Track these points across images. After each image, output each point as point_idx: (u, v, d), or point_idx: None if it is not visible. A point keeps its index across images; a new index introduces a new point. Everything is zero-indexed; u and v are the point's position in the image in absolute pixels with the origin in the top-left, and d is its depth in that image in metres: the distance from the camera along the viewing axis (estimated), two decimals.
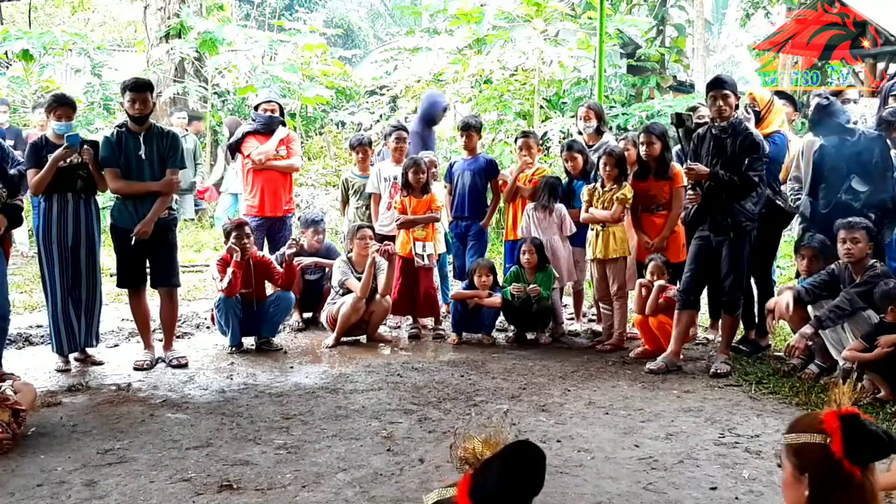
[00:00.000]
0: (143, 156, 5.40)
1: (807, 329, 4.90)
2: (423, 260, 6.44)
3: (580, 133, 7.01)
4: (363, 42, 25.96)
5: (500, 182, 6.75)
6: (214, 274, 6.02)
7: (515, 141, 6.74)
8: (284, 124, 7.20)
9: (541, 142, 11.98)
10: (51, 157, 5.25)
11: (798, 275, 5.65)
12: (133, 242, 5.37)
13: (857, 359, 4.65)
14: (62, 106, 5.41)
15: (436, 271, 6.80)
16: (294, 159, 7.08)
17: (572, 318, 6.87)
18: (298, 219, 7.57)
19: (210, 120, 13.53)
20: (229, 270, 5.86)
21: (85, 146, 5.34)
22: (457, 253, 6.96)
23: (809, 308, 5.05)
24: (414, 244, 6.44)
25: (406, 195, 6.51)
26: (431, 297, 6.58)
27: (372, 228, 6.62)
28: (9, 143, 9.29)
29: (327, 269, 6.76)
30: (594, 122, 6.76)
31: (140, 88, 5.40)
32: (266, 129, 6.95)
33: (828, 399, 4.22)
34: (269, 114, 7.04)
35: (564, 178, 6.63)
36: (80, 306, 5.38)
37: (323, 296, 6.79)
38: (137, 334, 5.87)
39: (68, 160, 5.29)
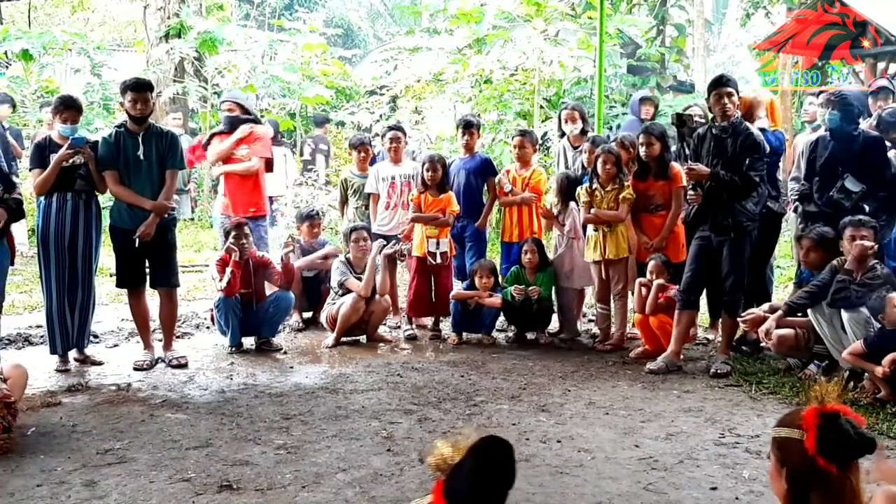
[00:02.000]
0: (142, 156, 5.40)
1: (777, 314, 5.00)
2: (436, 258, 6.44)
3: (563, 134, 7.01)
4: (363, 42, 25.94)
5: (497, 184, 6.70)
6: (214, 274, 6.02)
7: (513, 139, 6.76)
8: (258, 121, 7.00)
9: (540, 142, 12.02)
10: (54, 158, 5.26)
11: (798, 277, 5.64)
12: (136, 245, 5.37)
13: (857, 364, 4.65)
14: (69, 108, 5.41)
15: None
16: (252, 161, 6.71)
17: None
18: (296, 216, 7.53)
19: (210, 120, 13.52)
20: (228, 270, 5.86)
21: (86, 146, 5.35)
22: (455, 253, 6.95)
23: (809, 311, 5.08)
24: (427, 242, 6.44)
25: (422, 191, 6.51)
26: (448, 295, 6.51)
27: (368, 229, 6.62)
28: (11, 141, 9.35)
29: (323, 271, 6.79)
30: (579, 124, 6.80)
31: (141, 88, 5.40)
32: (229, 129, 6.84)
33: (813, 395, 4.24)
34: (227, 114, 6.94)
35: (579, 172, 6.61)
36: (74, 306, 5.38)
37: (322, 296, 6.80)
38: (137, 334, 5.87)
39: (70, 161, 5.29)
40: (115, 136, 5.43)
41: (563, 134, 7.04)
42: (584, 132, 6.80)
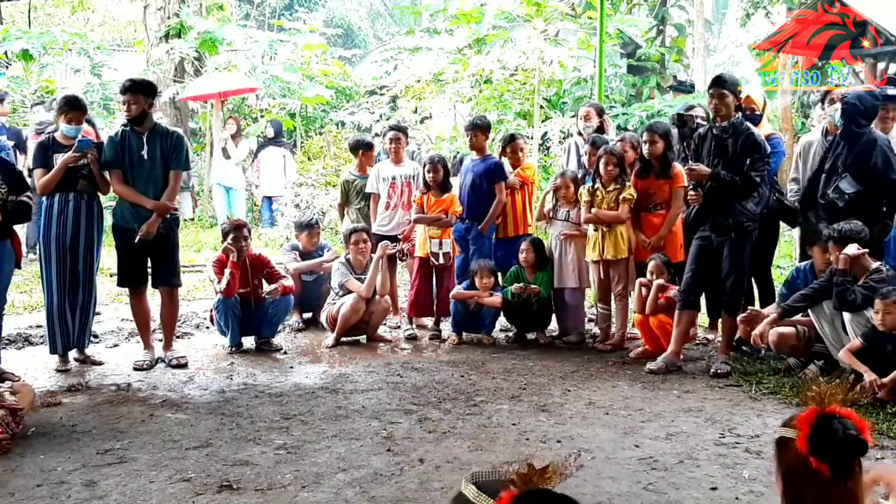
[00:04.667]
0: (146, 155, 5.40)
1: (771, 316, 5.02)
2: (439, 259, 6.44)
3: (580, 133, 7.00)
4: (363, 42, 25.96)
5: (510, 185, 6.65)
6: (211, 275, 6.02)
7: (503, 147, 6.76)
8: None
9: (540, 142, 12.03)
10: (59, 159, 5.26)
11: (788, 285, 5.61)
12: (137, 241, 5.37)
13: (853, 364, 4.65)
14: (73, 109, 5.41)
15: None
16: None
17: None
18: (295, 224, 7.49)
19: (210, 119, 13.52)
20: (227, 271, 5.86)
21: (92, 147, 5.35)
22: None
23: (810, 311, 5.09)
24: (430, 242, 6.44)
25: (425, 192, 6.52)
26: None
27: (368, 231, 6.62)
28: (9, 143, 9.35)
29: (323, 273, 6.79)
30: (594, 122, 6.79)
31: (131, 90, 5.38)
32: None
33: (812, 396, 4.25)
34: None
35: (580, 172, 6.61)
36: (75, 306, 5.38)
37: (322, 296, 6.80)
38: (137, 334, 5.86)
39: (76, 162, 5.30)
40: (121, 135, 5.45)
41: (579, 132, 7.01)
42: (599, 131, 6.79)
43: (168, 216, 5.48)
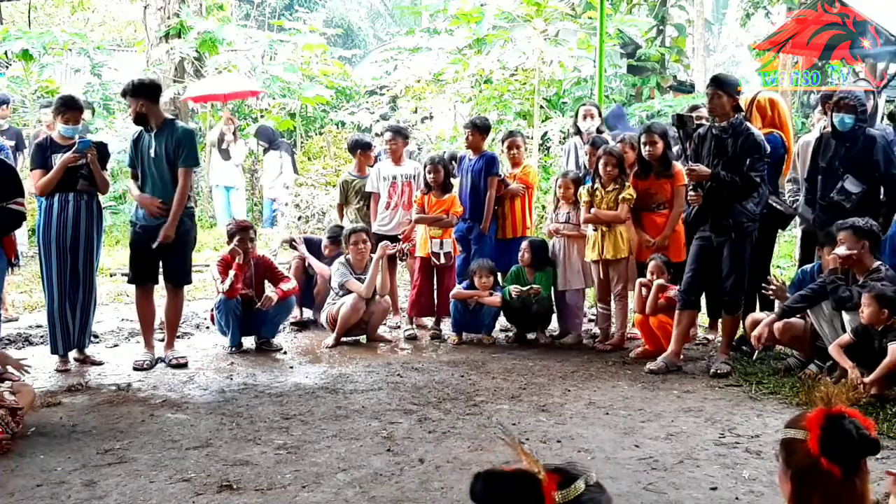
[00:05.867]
0: (154, 153, 5.43)
1: (771, 317, 5.04)
2: (440, 259, 6.44)
3: (578, 132, 7.01)
4: (363, 42, 25.94)
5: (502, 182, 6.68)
6: (215, 275, 6.02)
7: (503, 142, 6.79)
8: None
9: (540, 141, 12.03)
10: (58, 160, 5.27)
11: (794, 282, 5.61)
12: (155, 246, 5.38)
13: (839, 359, 4.64)
14: (71, 109, 5.42)
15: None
16: None
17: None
18: (328, 233, 7.48)
19: (210, 120, 13.53)
20: (231, 272, 5.85)
21: (91, 147, 5.35)
22: None
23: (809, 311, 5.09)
24: (431, 242, 6.44)
25: (426, 192, 6.52)
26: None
27: (368, 231, 6.61)
28: (9, 143, 9.34)
29: (317, 275, 6.81)
30: (596, 121, 6.81)
31: (129, 94, 5.45)
32: None
33: (819, 397, 4.25)
34: None
35: (580, 173, 6.61)
36: (75, 306, 5.38)
37: (314, 298, 6.81)
38: (137, 334, 5.86)
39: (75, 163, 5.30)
40: (138, 134, 5.54)
41: (578, 131, 7.03)
42: (598, 131, 6.81)
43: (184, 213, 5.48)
